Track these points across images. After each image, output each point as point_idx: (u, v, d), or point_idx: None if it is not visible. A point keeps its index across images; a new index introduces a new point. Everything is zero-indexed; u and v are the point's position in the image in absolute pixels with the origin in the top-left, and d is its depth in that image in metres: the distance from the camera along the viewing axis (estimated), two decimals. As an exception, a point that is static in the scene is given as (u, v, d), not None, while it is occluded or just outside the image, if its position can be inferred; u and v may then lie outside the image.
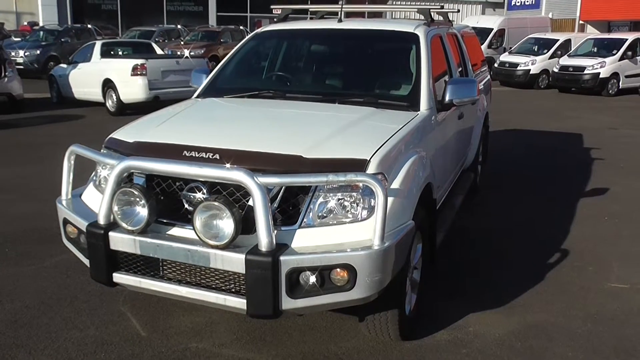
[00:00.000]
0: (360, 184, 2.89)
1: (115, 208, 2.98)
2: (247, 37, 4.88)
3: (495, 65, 20.77)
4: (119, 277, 3.09)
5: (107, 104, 12.59)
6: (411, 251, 3.20)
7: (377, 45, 4.52)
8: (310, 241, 2.85)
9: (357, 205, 2.93)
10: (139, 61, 12.01)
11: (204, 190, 2.98)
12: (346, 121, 3.49)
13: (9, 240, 5.02)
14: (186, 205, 3.01)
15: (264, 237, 2.72)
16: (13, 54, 19.57)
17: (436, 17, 5.33)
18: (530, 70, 19.74)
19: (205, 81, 4.54)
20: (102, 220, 3.05)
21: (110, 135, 3.54)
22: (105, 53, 13.29)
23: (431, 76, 4.10)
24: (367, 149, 3.06)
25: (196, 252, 2.84)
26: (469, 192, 5.92)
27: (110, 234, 3.02)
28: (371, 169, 2.96)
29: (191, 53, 17.68)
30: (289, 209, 2.93)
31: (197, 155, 3.04)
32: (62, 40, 20.82)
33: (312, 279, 2.77)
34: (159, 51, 15.12)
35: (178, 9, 32.91)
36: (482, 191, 6.70)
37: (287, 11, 5.13)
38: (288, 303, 2.78)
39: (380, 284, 2.83)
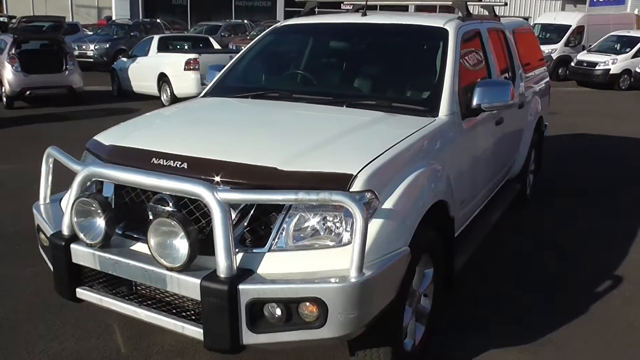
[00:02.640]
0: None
1: (75, 219, 2.71)
2: (264, 32, 4.53)
3: (572, 64, 19.46)
4: (81, 293, 2.83)
5: (162, 98, 12.66)
6: (406, 281, 2.73)
7: (401, 42, 4.05)
8: (281, 267, 2.46)
9: (340, 228, 2.52)
10: (192, 56, 11.97)
11: (170, 204, 2.66)
12: (344, 128, 3.07)
13: (24, 238, 4.90)
14: (152, 219, 2.70)
15: (222, 261, 2.36)
16: (84, 47, 20.31)
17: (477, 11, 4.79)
18: (610, 70, 18.30)
19: (215, 78, 4.24)
20: (65, 231, 2.79)
21: (94, 137, 3.29)
22: (162, 47, 13.38)
23: (457, 78, 3.60)
24: (356, 161, 2.63)
25: (153, 273, 2.52)
26: (512, 205, 5.34)
27: (72, 246, 2.75)
28: (357, 185, 2.54)
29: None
30: (261, 228, 2.56)
31: (164, 164, 2.72)
32: (131, 34, 21.31)
33: (278, 312, 2.39)
34: (216, 46, 15.09)
35: (247, 5, 33.16)
36: (533, 204, 6.06)
37: (312, 4, 4.74)
38: (249, 337, 2.41)
39: (357, 322, 2.41)
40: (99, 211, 2.63)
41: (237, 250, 2.50)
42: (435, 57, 3.72)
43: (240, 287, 2.34)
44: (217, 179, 2.58)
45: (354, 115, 3.35)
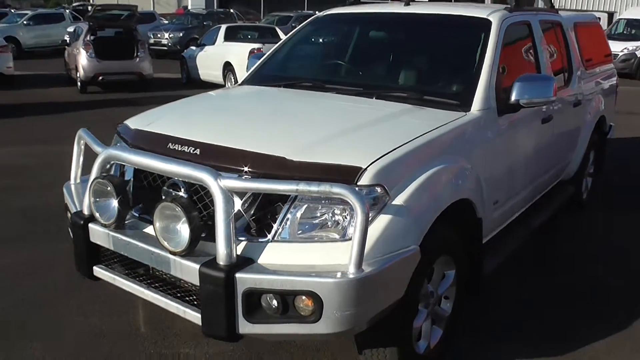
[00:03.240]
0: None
1: (92, 199, 2.78)
2: (306, 21, 4.49)
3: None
4: (98, 271, 2.90)
5: (227, 86, 12.89)
6: (417, 280, 2.62)
7: (441, 33, 3.89)
8: (283, 258, 2.42)
9: (346, 221, 2.45)
10: (256, 45, 12.11)
11: (182, 189, 2.68)
12: (365, 120, 2.98)
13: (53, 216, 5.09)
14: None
15: (221, 248, 2.35)
16: (159, 35, 21.00)
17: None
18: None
19: (253, 67, 4.24)
20: (85, 210, 2.87)
21: (125, 121, 3.37)
22: (229, 36, 13.61)
23: (496, 71, 3.41)
24: (368, 154, 2.55)
25: (159, 256, 2.54)
26: (565, 209, 5.07)
27: (90, 225, 2.83)
28: (366, 179, 2.45)
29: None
30: (267, 218, 2.53)
31: (179, 149, 2.75)
32: (205, 23, 21.82)
33: (274, 303, 2.36)
34: (282, 37, 15.18)
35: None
36: (590, 209, 5.72)
37: (358, -9, 4.65)
38: (246, 327, 2.39)
39: (355, 319, 2.33)
40: (113, 193, 2.68)
41: (241, 238, 2.50)
42: (475, 49, 3.54)
43: (238, 275, 2.32)
44: (227, 165, 2.58)
45: (380, 107, 3.25)
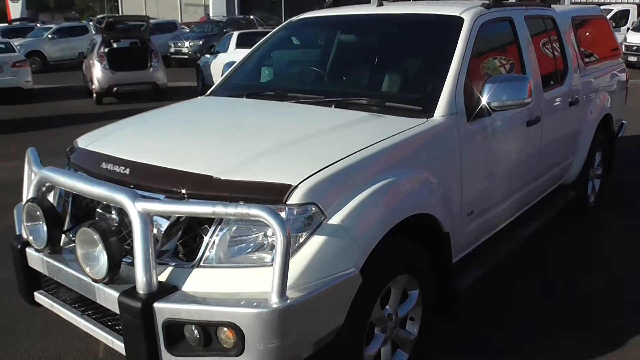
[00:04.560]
0: (284, 214, 2.24)
1: (25, 223, 2.67)
2: (279, 26, 4.32)
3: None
4: (39, 297, 2.80)
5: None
6: (361, 305, 2.42)
7: (412, 34, 3.67)
8: (208, 285, 2.25)
9: None
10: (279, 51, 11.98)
11: (114, 211, 2.54)
12: (311, 131, 2.79)
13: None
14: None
15: (139, 275, 2.20)
16: (179, 44, 21.15)
17: None
18: None
19: (223, 77, 4.10)
20: (23, 234, 2.77)
21: (76, 139, 3.26)
22: (242, 43, 13.55)
23: (465, 74, 3.18)
24: (301, 170, 2.36)
25: (84, 283, 2.41)
26: (567, 215, 4.78)
27: (27, 250, 2.73)
28: (296, 197, 2.27)
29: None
30: (195, 241, 2.37)
31: (110, 168, 2.62)
32: (225, 30, 21.86)
33: (196, 334, 2.19)
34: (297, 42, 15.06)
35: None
36: (597, 213, 5.37)
37: (336, -6, 4.46)
38: (169, 359, 2.23)
39: (282, 352, 2.14)
40: (42, 217, 2.57)
41: (170, 263, 2.35)
42: (444, 50, 3.31)
43: (156, 305, 2.17)
44: (153, 185, 2.43)
45: (333, 116, 3.05)
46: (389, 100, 3.16)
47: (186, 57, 20.65)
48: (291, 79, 3.99)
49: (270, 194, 2.28)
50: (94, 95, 13.07)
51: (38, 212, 2.57)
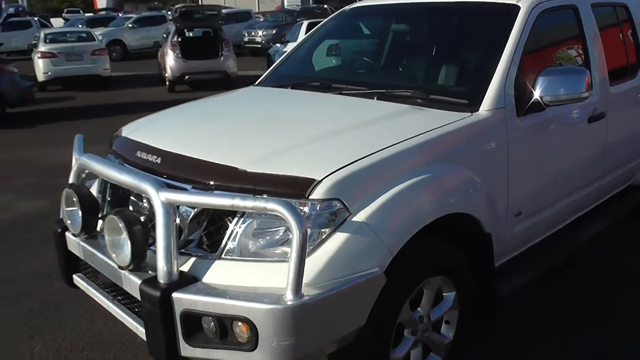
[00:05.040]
0: (306, 209, 2.18)
1: (64, 208, 2.75)
2: (331, 16, 4.24)
3: None
4: (77, 280, 2.88)
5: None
6: (385, 307, 2.32)
7: (464, 23, 3.47)
8: (229, 278, 2.22)
9: None
10: (333, 41, 11.89)
11: (145, 200, 2.57)
12: (348, 124, 2.70)
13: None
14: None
15: (160, 265, 2.20)
16: (253, 33, 21.45)
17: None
18: None
19: (272, 67, 4.07)
20: (64, 218, 2.86)
21: (122, 127, 3.33)
22: (311, 32, 13.52)
23: (517, 66, 2.97)
24: (327, 164, 2.28)
25: (113, 269, 2.45)
26: (624, 219, 4.43)
27: (66, 234, 2.81)
28: (319, 192, 2.20)
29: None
30: (219, 233, 2.34)
31: (144, 157, 2.65)
32: (298, 20, 21.96)
33: (213, 327, 2.17)
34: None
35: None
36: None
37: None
38: (187, 350, 2.22)
39: (296, 350, 2.09)
40: (78, 203, 2.63)
41: (193, 253, 2.34)
42: (496, 40, 3.12)
43: (175, 295, 2.16)
44: (182, 175, 2.44)
45: (372, 109, 2.94)
46: (434, 93, 3.01)
47: (259, 46, 20.92)
48: (338, 69, 3.90)
49: (294, 188, 2.22)
50: (167, 83, 13.46)
51: (74, 198, 2.63)
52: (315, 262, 2.15)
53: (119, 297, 2.60)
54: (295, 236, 1.99)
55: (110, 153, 3.00)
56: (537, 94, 2.92)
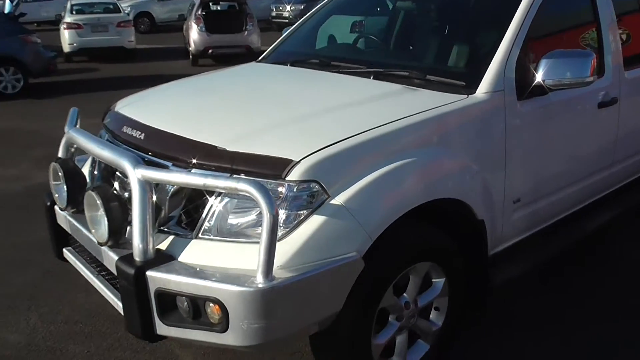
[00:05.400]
0: (283, 190, 2.14)
1: (52, 182, 2.75)
2: (339, -10, 4.14)
3: None
4: (66, 253, 2.90)
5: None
6: (365, 292, 2.27)
7: (469, 1, 3.35)
8: (205, 257, 2.20)
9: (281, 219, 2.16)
10: (359, 18, 11.70)
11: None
12: (336, 103, 2.63)
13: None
14: (117, 188, 2.62)
15: (136, 242, 2.18)
16: (281, 8, 21.25)
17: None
18: None
19: (275, 43, 4.00)
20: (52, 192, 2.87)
21: (119, 100, 3.31)
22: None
23: (520, 46, 2.84)
24: (306, 145, 2.23)
25: (94, 244, 2.45)
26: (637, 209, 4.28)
27: (55, 207, 2.82)
28: (296, 173, 2.15)
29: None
30: (198, 211, 2.32)
31: (129, 132, 2.63)
32: (326, -5, 21.67)
33: (186, 307, 2.16)
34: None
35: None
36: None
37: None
38: (162, 328, 2.21)
39: (268, 334, 2.06)
40: (63, 177, 2.63)
41: (172, 231, 2.32)
42: (501, 18, 2.98)
43: (149, 273, 2.15)
44: (161, 152, 2.42)
45: (365, 88, 2.86)
46: (431, 73, 2.91)
47: (286, 21, 20.67)
48: (339, 46, 3.81)
49: (270, 168, 2.17)
50: (190, 56, 13.46)
51: (60, 173, 2.63)
52: (290, 245, 2.11)
53: (103, 273, 2.61)
54: (265, 218, 1.95)
55: (102, 128, 2.99)
56: (539, 77, 2.79)
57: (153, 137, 2.50)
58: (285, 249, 2.10)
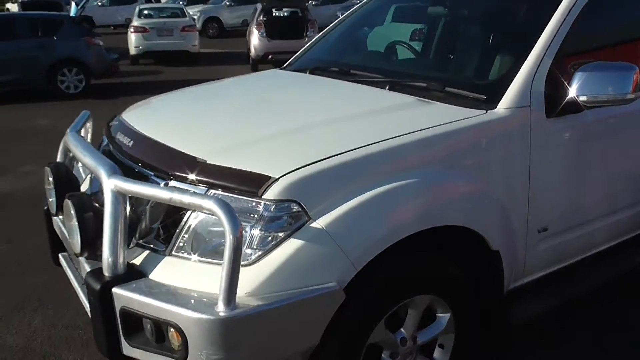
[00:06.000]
0: (260, 208, 1.96)
1: (45, 186, 2.69)
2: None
3: None
4: (61, 259, 2.83)
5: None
6: (347, 325, 2.05)
7: (499, 5, 3.04)
8: (175, 277, 2.04)
9: (251, 239, 1.98)
10: (418, 26, 11.38)
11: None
12: (334, 116, 2.43)
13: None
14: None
15: (105, 256, 2.06)
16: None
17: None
18: None
19: (302, 49, 3.84)
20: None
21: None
22: (398, 17, 13.03)
23: (553, 56, 2.53)
24: (289, 161, 2.03)
25: (74, 255, 2.35)
26: None
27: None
28: (274, 192, 1.96)
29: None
30: (175, 226, 2.17)
31: (121, 139, 2.53)
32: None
33: (149, 329, 2.01)
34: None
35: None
36: None
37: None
38: (127, 349, 2.07)
39: (226, 366, 1.88)
40: (52, 183, 2.56)
41: (149, 245, 2.18)
42: (533, 26, 2.68)
43: (114, 290, 2.01)
44: (146, 161, 2.30)
45: (375, 100, 2.64)
46: (450, 85, 2.65)
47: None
48: (366, 54, 3.59)
49: (247, 185, 1.99)
50: (250, 61, 13.54)
51: (50, 178, 2.56)
52: (261, 270, 1.92)
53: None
54: (227, 240, 1.77)
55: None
56: (572, 92, 2.48)
57: (140, 145, 2.39)
58: (256, 274, 1.91)
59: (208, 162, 2.12)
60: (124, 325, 2.04)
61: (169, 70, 13.63)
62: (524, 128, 2.45)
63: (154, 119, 2.73)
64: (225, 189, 2.02)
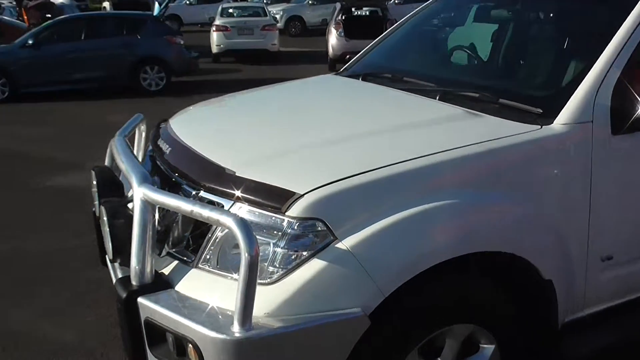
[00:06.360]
0: (284, 225, 1.89)
1: (92, 189, 2.74)
2: (429, 1, 3.76)
3: None
4: (107, 260, 2.88)
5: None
6: (383, 354, 1.94)
7: (575, 11, 2.79)
8: (200, 290, 2.00)
9: (274, 256, 1.92)
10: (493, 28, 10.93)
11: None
12: (376, 127, 2.31)
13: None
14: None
15: (132, 264, 2.05)
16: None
17: None
18: None
19: (359, 54, 3.73)
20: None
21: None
22: (480, 17, 12.58)
23: (622, 67, 2.28)
24: (317, 176, 1.94)
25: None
26: None
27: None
28: (297, 209, 1.87)
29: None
30: (203, 237, 2.13)
31: (160, 145, 2.54)
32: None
33: (171, 342, 1.99)
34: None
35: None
36: None
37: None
38: (152, 359, 2.07)
39: (242, 388, 1.82)
40: (95, 184, 2.60)
41: (180, 256, 2.17)
42: (600, 34, 2.43)
43: (140, 300, 2.01)
44: (180, 169, 2.29)
45: (422, 110, 2.49)
46: (505, 96, 2.45)
47: (435, 28, 20.12)
48: (419, 61, 3.42)
49: (272, 200, 1.92)
50: (328, 61, 13.52)
51: (94, 181, 2.61)
52: (282, 290, 1.85)
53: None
54: (243, 258, 1.71)
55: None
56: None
57: (175, 153, 2.39)
58: (276, 294, 1.84)
59: (236, 174, 2.06)
60: (148, 336, 2.03)
61: (248, 68, 13.86)
62: (584, 145, 2.23)
63: (194, 125, 2.73)
64: (250, 202, 1.96)
